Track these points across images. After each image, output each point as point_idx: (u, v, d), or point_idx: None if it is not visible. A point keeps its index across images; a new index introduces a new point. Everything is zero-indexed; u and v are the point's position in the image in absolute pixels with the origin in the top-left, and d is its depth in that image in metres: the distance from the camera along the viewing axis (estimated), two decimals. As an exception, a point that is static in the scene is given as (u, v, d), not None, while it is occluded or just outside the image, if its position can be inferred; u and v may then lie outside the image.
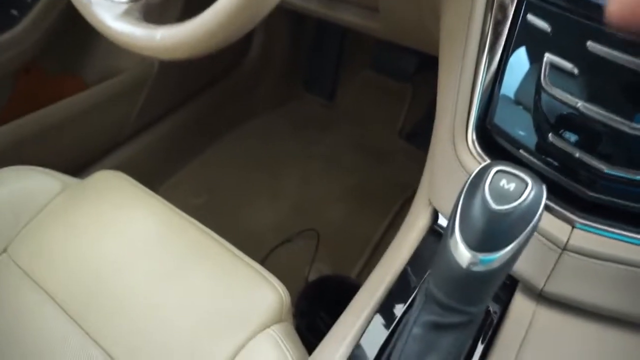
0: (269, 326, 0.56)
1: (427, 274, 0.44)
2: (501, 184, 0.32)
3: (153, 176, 1.16)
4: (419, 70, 1.24)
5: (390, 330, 0.41)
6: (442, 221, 0.49)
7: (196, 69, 1.19)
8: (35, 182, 0.70)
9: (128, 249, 0.62)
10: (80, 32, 0.99)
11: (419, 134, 1.27)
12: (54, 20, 0.91)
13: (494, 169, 0.33)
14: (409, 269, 0.46)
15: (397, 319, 0.42)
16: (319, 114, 1.39)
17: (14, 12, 0.86)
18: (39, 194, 0.69)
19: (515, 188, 0.32)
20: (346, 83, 1.40)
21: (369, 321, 0.42)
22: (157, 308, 0.57)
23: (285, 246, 1.02)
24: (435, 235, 0.48)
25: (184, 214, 0.67)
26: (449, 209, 0.47)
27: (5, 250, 0.64)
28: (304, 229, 1.03)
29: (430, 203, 0.49)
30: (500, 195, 0.32)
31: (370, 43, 1.35)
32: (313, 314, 0.70)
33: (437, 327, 0.36)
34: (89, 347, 0.55)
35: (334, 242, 1.01)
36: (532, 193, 0.32)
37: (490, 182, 0.32)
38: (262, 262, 0.62)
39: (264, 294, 0.58)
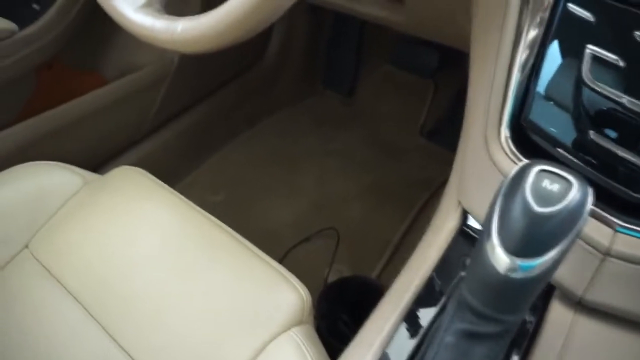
0: (290, 328, 0.54)
1: (457, 278, 0.42)
2: (543, 184, 0.30)
3: (171, 172, 1.16)
4: (442, 66, 1.20)
5: (419, 337, 0.39)
6: (472, 223, 0.47)
7: (215, 66, 1.18)
8: (57, 177, 0.70)
9: (147, 245, 0.61)
10: (102, 27, 0.99)
11: (441, 131, 1.24)
12: (75, 15, 0.91)
13: (536, 169, 0.31)
14: (437, 273, 0.44)
15: (426, 326, 0.40)
16: (338, 110, 1.37)
17: (36, 6, 0.86)
18: (60, 190, 0.69)
19: (560, 189, 0.30)
20: (366, 79, 1.38)
21: (396, 327, 0.40)
22: (176, 306, 0.56)
23: (303, 245, 1.00)
24: (465, 237, 0.46)
25: (203, 211, 0.66)
26: (480, 211, 0.45)
27: (26, 246, 0.64)
28: (323, 227, 1.01)
29: (460, 204, 0.47)
30: (543, 197, 0.30)
31: (390, 38, 1.32)
32: (334, 315, 0.69)
33: (470, 336, 0.34)
34: (106, 344, 0.55)
35: (353, 241, 0.99)
36: (578, 195, 0.29)
37: (532, 182, 0.30)
38: (280, 261, 0.60)
39: (284, 294, 0.56)
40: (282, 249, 0.99)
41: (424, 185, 1.10)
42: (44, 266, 0.61)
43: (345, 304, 0.71)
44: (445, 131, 1.22)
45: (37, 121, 0.88)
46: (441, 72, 1.23)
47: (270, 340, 0.53)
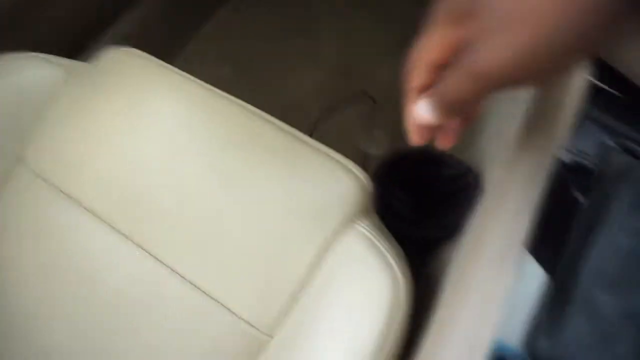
0: (354, 221, 0.46)
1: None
2: None
3: (163, 48, 0.99)
4: None
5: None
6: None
7: None
8: (31, 70, 0.56)
9: (170, 144, 0.50)
10: None
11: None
12: None
13: None
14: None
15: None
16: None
17: None
18: (39, 85, 0.55)
19: None
20: None
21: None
22: (223, 213, 0.46)
23: (332, 116, 0.88)
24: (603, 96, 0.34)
25: (222, 92, 0.53)
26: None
27: (22, 161, 0.53)
28: (353, 94, 0.88)
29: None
30: None
31: None
32: (389, 195, 0.61)
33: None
34: (142, 258, 0.47)
35: (389, 105, 0.87)
36: None
37: None
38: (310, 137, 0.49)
39: (343, 183, 0.47)
40: (309, 124, 0.87)
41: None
42: (46, 181, 0.51)
43: (398, 179, 0.62)
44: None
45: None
46: None
47: (335, 237, 0.45)
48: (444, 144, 0.30)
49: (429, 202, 0.61)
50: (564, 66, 0.22)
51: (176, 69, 0.55)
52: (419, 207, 0.62)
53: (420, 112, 0.27)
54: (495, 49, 0.21)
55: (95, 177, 0.50)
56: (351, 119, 0.87)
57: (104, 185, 0.50)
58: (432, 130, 0.29)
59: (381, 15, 0.99)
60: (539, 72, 0.21)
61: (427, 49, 0.26)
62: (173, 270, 0.46)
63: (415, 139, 0.30)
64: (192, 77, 0.54)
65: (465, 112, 0.27)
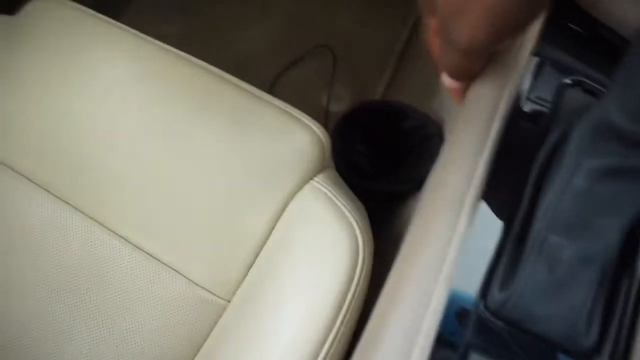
0: (312, 177, 0.44)
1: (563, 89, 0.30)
2: None
3: (106, 3, 0.91)
4: None
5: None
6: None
7: None
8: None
9: (107, 101, 0.46)
10: None
11: None
12: None
13: None
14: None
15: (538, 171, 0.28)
16: None
17: None
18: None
19: None
20: None
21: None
22: (173, 175, 0.44)
23: (291, 71, 0.84)
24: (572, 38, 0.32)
25: (166, 46, 0.49)
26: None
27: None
28: (311, 47, 0.84)
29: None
30: None
31: None
32: (350, 149, 0.59)
33: (613, 174, 0.24)
34: (88, 225, 0.44)
35: (348, 58, 0.84)
36: None
37: None
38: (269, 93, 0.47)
39: (300, 139, 0.44)
40: (266, 80, 0.83)
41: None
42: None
43: (359, 133, 0.61)
44: None
45: None
46: None
47: (292, 197, 0.43)
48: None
49: (391, 156, 0.60)
50: (527, 22, 0.26)
51: (114, 22, 0.50)
52: (380, 160, 0.60)
53: (445, 81, 0.33)
54: (458, 31, 0.26)
55: (27, 140, 0.46)
56: (311, 73, 0.84)
57: (37, 148, 0.46)
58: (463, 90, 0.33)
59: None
60: (504, 34, 0.26)
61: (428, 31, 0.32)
62: (121, 237, 0.44)
63: (457, 100, 0.34)
64: (131, 29, 0.50)
65: (470, 75, 0.32)
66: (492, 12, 0.25)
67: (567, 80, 0.30)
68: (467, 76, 0.32)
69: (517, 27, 0.27)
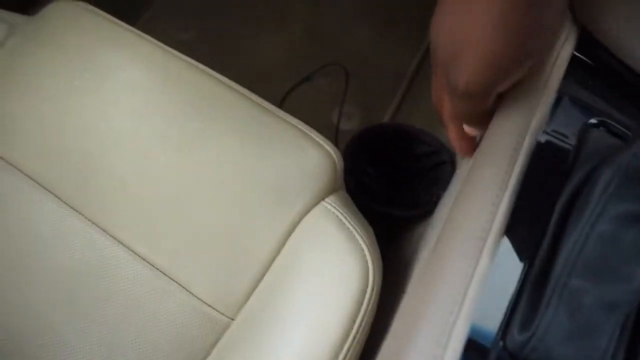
0: (323, 198, 0.44)
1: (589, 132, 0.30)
2: None
3: (124, 7, 0.92)
4: None
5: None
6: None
7: None
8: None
9: (119, 106, 0.46)
10: None
11: None
12: None
13: None
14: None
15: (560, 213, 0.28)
16: None
17: None
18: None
19: None
20: None
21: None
22: (184, 188, 0.43)
23: (303, 86, 0.85)
24: (593, 73, 0.32)
25: (182, 55, 0.49)
26: (625, 30, 0.31)
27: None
28: (324, 63, 0.84)
29: (573, 22, 0.32)
30: None
31: None
32: (360, 171, 0.59)
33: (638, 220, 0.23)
34: (94, 234, 0.44)
35: (361, 77, 0.84)
36: None
37: None
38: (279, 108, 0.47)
39: (312, 159, 0.44)
40: (278, 94, 0.84)
41: None
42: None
43: (370, 155, 0.60)
44: None
45: None
46: None
47: (303, 216, 0.43)
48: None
49: (401, 179, 0.60)
50: (521, 69, 0.28)
51: (131, 28, 0.50)
52: (390, 184, 0.60)
53: (451, 137, 0.36)
54: (456, 76, 0.28)
55: (38, 142, 0.46)
56: (322, 90, 0.84)
57: (47, 151, 0.45)
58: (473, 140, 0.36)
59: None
60: (503, 73, 0.27)
61: (437, 98, 0.35)
62: (126, 247, 0.43)
63: (465, 153, 0.37)
64: (147, 36, 0.50)
65: (481, 121, 0.33)
66: (486, 56, 0.26)
67: (593, 121, 0.30)
68: (476, 121, 0.34)
69: (514, 70, 0.28)
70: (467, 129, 0.36)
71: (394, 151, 0.59)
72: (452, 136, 0.36)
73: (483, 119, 0.32)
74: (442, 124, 0.36)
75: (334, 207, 0.43)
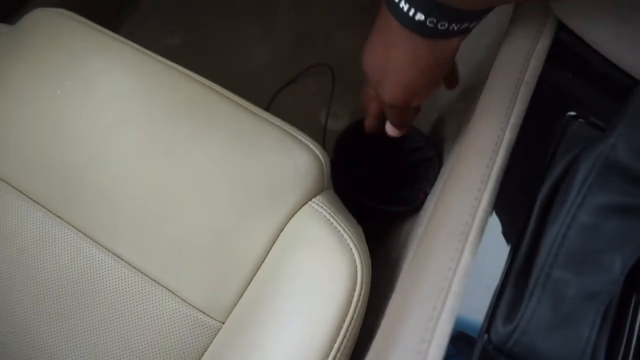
0: (310, 198, 0.44)
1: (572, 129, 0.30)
2: None
3: (106, 14, 0.92)
4: None
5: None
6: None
7: None
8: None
9: (105, 116, 0.45)
10: None
11: None
12: None
13: None
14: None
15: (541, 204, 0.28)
16: None
17: None
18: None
19: None
20: None
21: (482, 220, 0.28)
22: (161, 187, 0.43)
23: (290, 88, 0.85)
24: (571, 67, 0.32)
25: (166, 60, 0.49)
26: (594, 22, 0.31)
27: None
28: (311, 64, 0.84)
29: (550, 12, 0.33)
30: None
31: None
32: (347, 166, 0.59)
33: (621, 211, 0.24)
34: (82, 243, 0.43)
35: (347, 77, 0.84)
36: None
37: None
38: (266, 110, 0.47)
39: (298, 159, 0.44)
40: (265, 96, 0.83)
41: None
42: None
43: (357, 153, 0.60)
44: None
45: None
46: None
47: (290, 217, 0.43)
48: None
49: (389, 176, 0.60)
50: (429, 92, 0.37)
51: (113, 34, 0.50)
52: (377, 180, 0.60)
53: (389, 130, 0.48)
54: (382, 93, 0.37)
55: (21, 152, 0.45)
56: (309, 91, 0.84)
57: (31, 161, 0.45)
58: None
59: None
60: (416, 94, 0.36)
61: (365, 100, 0.46)
62: (115, 254, 0.43)
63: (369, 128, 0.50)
64: (131, 42, 0.49)
65: (407, 123, 0.46)
66: (400, 84, 0.35)
67: (572, 113, 0.30)
68: (406, 125, 0.46)
69: (423, 92, 0.36)
70: (390, 130, 0.47)
71: (380, 147, 0.59)
72: (368, 122, 0.49)
73: (405, 125, 0.46)
74: (367, 116, 0.48)
75: (321, 207, 0.43)
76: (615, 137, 0.23)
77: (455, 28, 0.29)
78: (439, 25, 0.29)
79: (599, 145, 0.24)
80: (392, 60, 0.33)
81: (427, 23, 0.29)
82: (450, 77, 0.47)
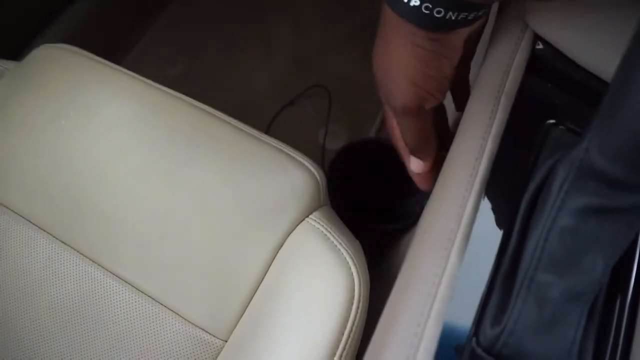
0: (307, 215, 0.45)
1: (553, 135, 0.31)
2: None
3: (110, 47, 0.95)
4: None
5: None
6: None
7: None
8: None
9: (107, 143, 0.47)
10: None
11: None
12: None
13: None
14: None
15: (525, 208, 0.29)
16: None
17: None
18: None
19: None
20: None
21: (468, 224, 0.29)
22: (162, 211, 0.44)
23: (288, 110, 0.87)
24: (547, 76, 0.33)
25: (166, 89, 0.51)
26: (567, 34, 0.32)
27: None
28: (309, 86, 0.86)
29: (526, 26, 0.34)
30: None
31: None
32: (345, 187, 0.60)
33: (599, 213, 0.24)
34: (86, 267, 0.44)
35: (345, 98, 0.86)
36: None
37: None
38: (266, 132, 0.48)
39: (295, 178, 0.45)
40: (265, 119, 0.85)
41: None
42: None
43: (353, 170, 0.62)
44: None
45: None
46: None
47: (288, 234, 0.44)
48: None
49: (385, 191, 0.61)
50: (442, 78, 0.33)
51: (115, 65, 0.52)
52: (375, 197, 0.61)
53: (412, 166, 0.41)
54: (390, 96, 0.33)
55: (27, 181, 0.47)
56: (307, 112, 0.86)
57: (37, 189, 0.47)
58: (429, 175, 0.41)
59: (334, 6, 0.98)
60: (425, 90, 0.32)
61: (386, 121, 0.41)
62: (118, 277, 0.44)
63: (426, 186, 0.42)
64: (132, 73, 0.51)
65: (425, 140, 0.38)
66: (405, 75, 0.32)
67: (552, 120, 0.31)
68: (425, 145, 0.38)
69: (437, 83, 0.32)
70: (415, 164, 0.41)
71: (377, 164, 0.60)
72: (410, 171, 0.42)
73: (427, 143, 0.38)
74: (393, 139, 0.42)
75: (318, 223, 0.44)
76: (588, 141, 0.24)
77: (453, 17, 0.28)
78: (434, 12, 0.28)
79: (574, 150, 0.25)
80: (392, 56, 0.32)
81: (423, 9, 0.28)
82: (460, 96, 0.42)
